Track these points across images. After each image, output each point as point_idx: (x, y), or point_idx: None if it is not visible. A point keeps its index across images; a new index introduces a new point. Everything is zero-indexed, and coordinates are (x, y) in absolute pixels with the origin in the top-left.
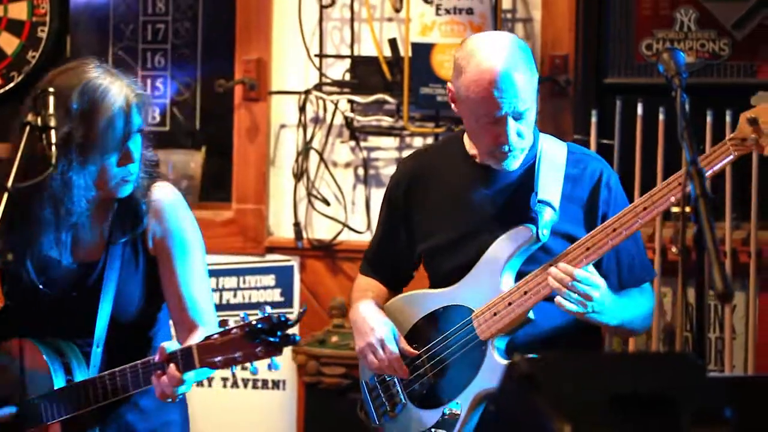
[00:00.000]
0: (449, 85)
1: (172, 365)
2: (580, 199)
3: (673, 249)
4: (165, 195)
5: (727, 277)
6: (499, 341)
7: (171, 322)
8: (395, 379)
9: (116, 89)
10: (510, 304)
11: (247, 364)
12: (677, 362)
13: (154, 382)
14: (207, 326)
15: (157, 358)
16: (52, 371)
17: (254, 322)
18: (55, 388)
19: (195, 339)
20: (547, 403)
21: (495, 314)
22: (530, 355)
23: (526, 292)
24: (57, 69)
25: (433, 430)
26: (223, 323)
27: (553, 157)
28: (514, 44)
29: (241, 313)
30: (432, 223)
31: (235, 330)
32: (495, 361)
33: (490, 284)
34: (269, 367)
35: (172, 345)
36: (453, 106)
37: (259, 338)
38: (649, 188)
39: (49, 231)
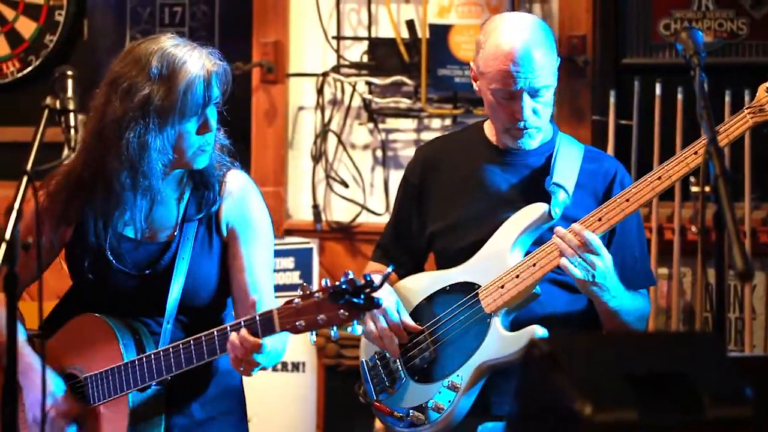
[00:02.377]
0: (471, 63)
1: (244, 329)
2: (593, 193)
3: (693, 229)
4: (240, 181)
5: (747, 256)
6: (504, 315)
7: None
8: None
9: (196, 56)
10: (518, 276)
11: (328, 329)
12: (697, 342)
13: (229, 346)
14: None
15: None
16: (122, 346)
17: (338, 284)
18: (126, 360)
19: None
20: (568, 382)
21: (502, 287)
22: (542, 333)
23: (534, 264)
24: (135, 42)
25: (432, 401)
26: (303, 288)
27: (571, 151)
28: (535, 23)
29: (323, 280)
30: (445, 204)
31: (317, 293)
32: (499, 333)
33: (499, 260)
34: (351, 330)
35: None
36: (474, 84)
37: (343, 299)
38: None
39: (127, 197)
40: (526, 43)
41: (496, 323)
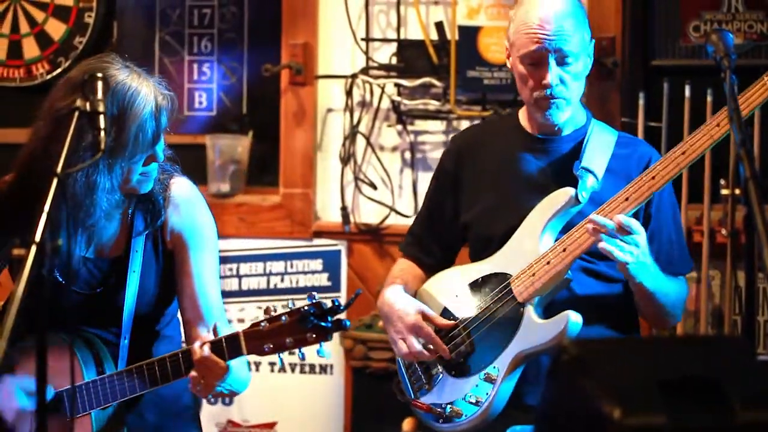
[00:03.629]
0: (506, 42)
1: (207, 347)
2: (626, 177)
3: (723, 231)
4: (183, 190)
5: None
6: (537, 303)
7: (179, 314)
8: None
9: (145, 92)
10: (548, 263)
11: (295, 351)
12: (726, 346)
13: (193, 367)
14: (215, 321)
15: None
16: (81, 363)
17: (306, 307)
18: (87, 379)
19: (211, 333)
20: (597, 386)
21: (533, 274)
22: (576, 319)
23: (564, 249)
24: (79, 66)
25: (469, 394)
26: (267, 311)
27: (604, 137)
28: None
29: (288, 302)
30: (478, 190)
31: (284, 316)
32: (533, 322)
33: (530, 247)
34: (318, 353)
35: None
36: (508, 63)
37: (310, 323)
38: (696, 170)
39: (62, 233)
40: (554, 10)
41: (530, 312)
